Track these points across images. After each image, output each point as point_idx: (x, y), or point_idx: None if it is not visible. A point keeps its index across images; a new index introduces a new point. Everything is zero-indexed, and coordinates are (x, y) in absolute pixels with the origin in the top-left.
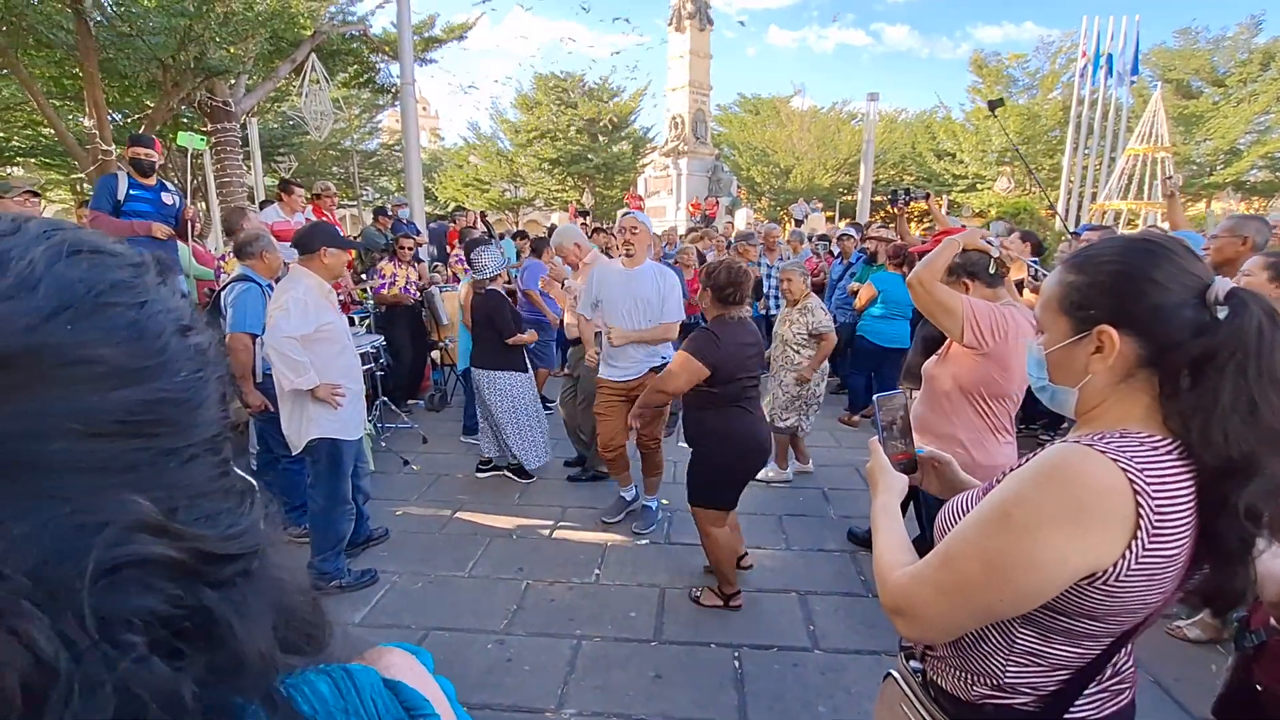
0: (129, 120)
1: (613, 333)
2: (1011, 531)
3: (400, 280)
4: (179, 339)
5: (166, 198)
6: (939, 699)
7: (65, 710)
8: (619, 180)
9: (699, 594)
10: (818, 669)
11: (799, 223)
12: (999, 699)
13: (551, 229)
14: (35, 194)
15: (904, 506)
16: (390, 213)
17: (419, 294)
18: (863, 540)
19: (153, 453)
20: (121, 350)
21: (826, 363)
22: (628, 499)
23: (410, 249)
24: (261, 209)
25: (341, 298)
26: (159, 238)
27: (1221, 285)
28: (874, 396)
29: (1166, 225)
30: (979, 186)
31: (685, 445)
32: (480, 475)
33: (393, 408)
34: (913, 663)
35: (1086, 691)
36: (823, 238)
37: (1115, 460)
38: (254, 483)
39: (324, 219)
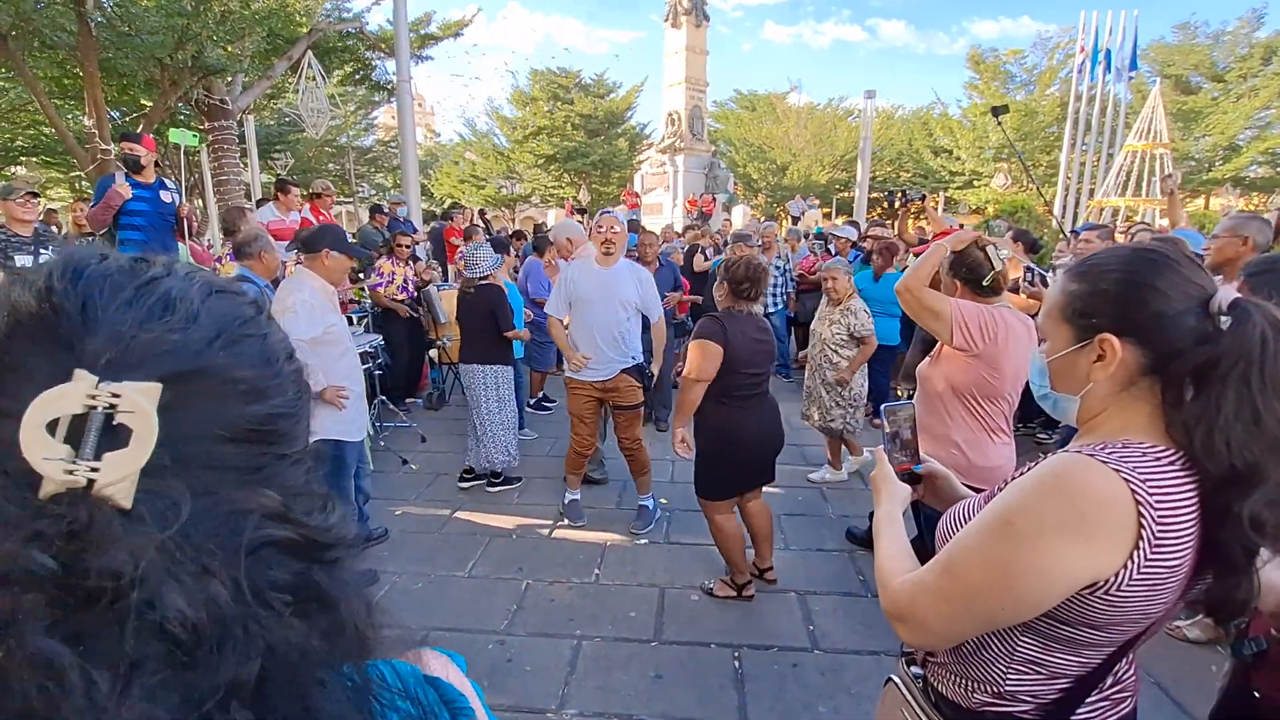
0: (127, 119)
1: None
2: (1013, 540)
3: (398, 278)
4: (288, 364)
5: (165, 195)
6: (939, 705)
7: (232, 650)
8: (615, 177)
9: (712, 585)
10: (818, 669)
11: (796, 219)
12: (999, 706)
13: (538, 228)
14: (34, 194)
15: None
16: (388, 210)
17: (416, 292)
18: (861, 540)
19: (270, 456)
20: (254, 372)
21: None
22: (575, 498)
23: (408, 247)
24: (258, 207)
25: (340, 297)
26: (123, 195)
27: (1225, 295)
28: (881, 406)
29: (1166, 222)
30: (976, 183)
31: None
32: (463, 486)
33: (391, 407)
34: (914, 668)
35: (1088, 700)
36: (820, 236)
37: (1117, 470)
38: (329, 489)
39: (321, 218)
